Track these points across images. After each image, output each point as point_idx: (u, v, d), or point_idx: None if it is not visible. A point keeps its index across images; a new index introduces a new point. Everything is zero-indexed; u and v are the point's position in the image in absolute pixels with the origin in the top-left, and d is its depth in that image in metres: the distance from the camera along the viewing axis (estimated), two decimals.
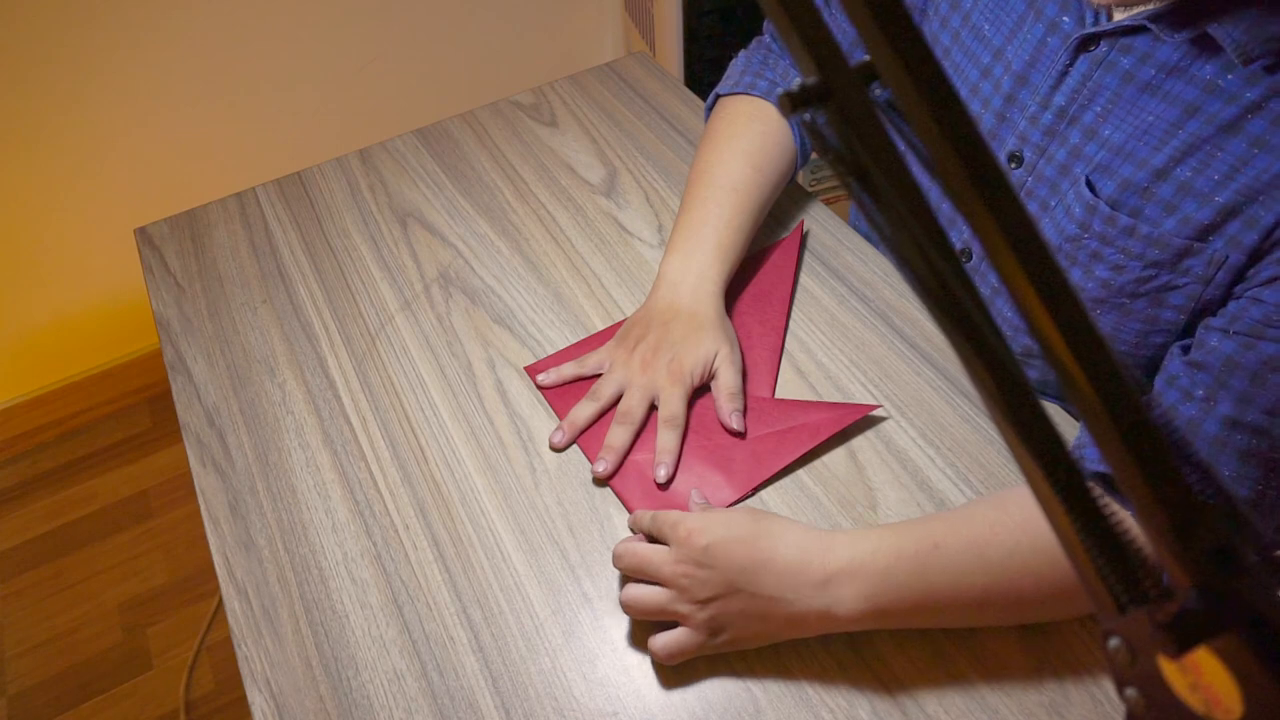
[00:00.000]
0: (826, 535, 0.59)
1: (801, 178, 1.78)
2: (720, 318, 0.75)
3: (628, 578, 0.63)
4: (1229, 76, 0.56)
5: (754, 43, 0.92)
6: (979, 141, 0.26)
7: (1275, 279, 0.56)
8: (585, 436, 0.73)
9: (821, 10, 0.28)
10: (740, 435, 0.72)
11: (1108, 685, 0.58)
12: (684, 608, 0.58)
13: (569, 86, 1.08)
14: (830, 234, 0.88)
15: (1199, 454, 0.57)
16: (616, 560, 0.62)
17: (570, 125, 1.03)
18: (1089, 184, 0.63)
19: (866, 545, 0.58)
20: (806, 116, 0.29)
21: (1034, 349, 0.73)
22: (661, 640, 0.59)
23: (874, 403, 0.73)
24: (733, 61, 0.92)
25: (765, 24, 0.94)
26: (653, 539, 0.63)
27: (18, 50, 1.37)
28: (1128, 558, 0.28)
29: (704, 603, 0.58)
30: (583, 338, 0.81)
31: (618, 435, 0.71)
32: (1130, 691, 0.29)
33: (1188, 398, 0.58)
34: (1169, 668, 0.27)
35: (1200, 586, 0.25)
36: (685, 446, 0.71)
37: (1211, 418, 0.57)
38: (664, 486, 0.69)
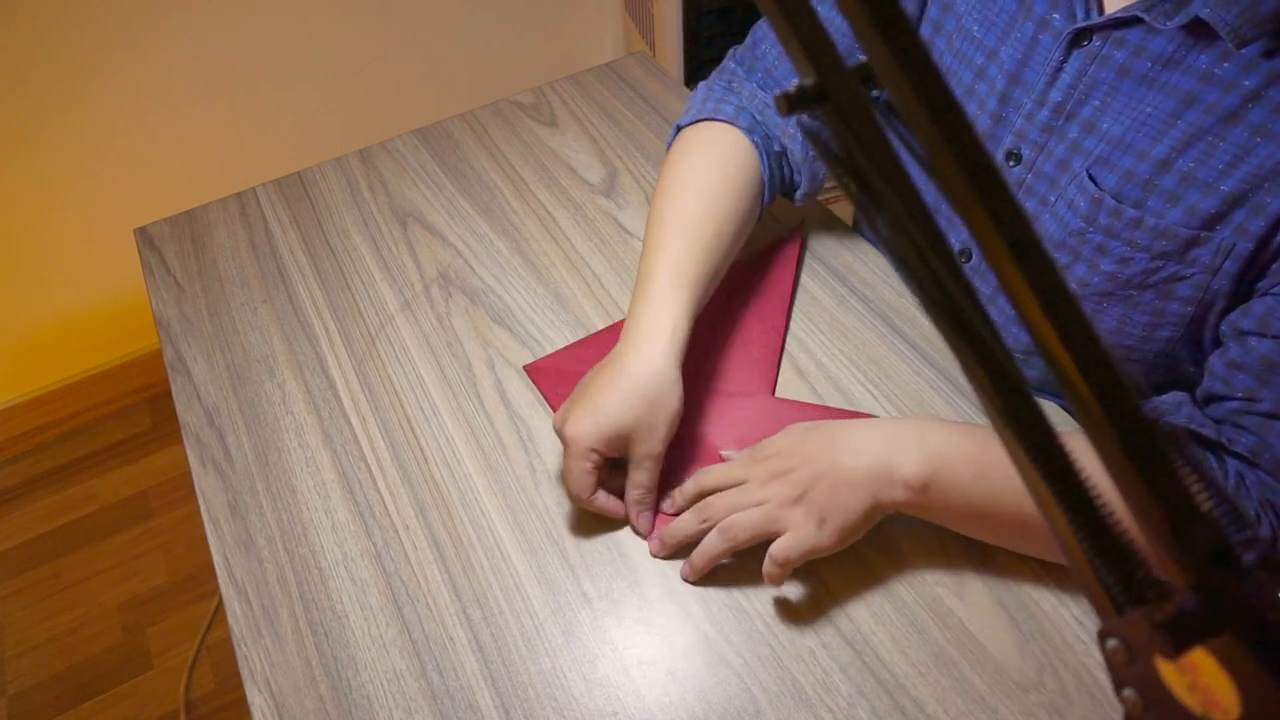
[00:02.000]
0: (899, 417, 0.64)
1: None
2: (661, 390, 0.65)
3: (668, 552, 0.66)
4: (1225, 65, 0.56)
5: (714, 73, 0.86)
6: (977, 143, 0.26)
7: None
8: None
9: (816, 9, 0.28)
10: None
11: (1108, 685, 0.59)
12: (783, 512, 0.60)
13: (569, 86, 1.08)
14: (830, 234, 0.88)
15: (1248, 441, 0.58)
16: (708, 508, 0.63)
17: (570, 125, 1.03)
18: (1091, 177, 0.64)
19: (931, 420, 0.63)
20: (804, 118, 0.29)
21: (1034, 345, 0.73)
22: (779, 545, 0.60)
23: (874, 409, 0.73)
24: (693, 93, 0.85)
25: (731, 51, 0.86)
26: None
27: (18, 50, 1.37)
28: (1125, 559, 0.28)
29: (799, 499, 0.60)
30: (582, 337, 0.81)
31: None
32: (1128, 692, 0.29)
33: (1230, 397, 0.59)
34: (1167, 668, 0.27)
35: (1198, 587, 0.25)
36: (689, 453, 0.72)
37: (1254, 413, 0.58)
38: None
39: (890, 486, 0.60)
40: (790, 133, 0.79)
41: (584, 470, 0.64)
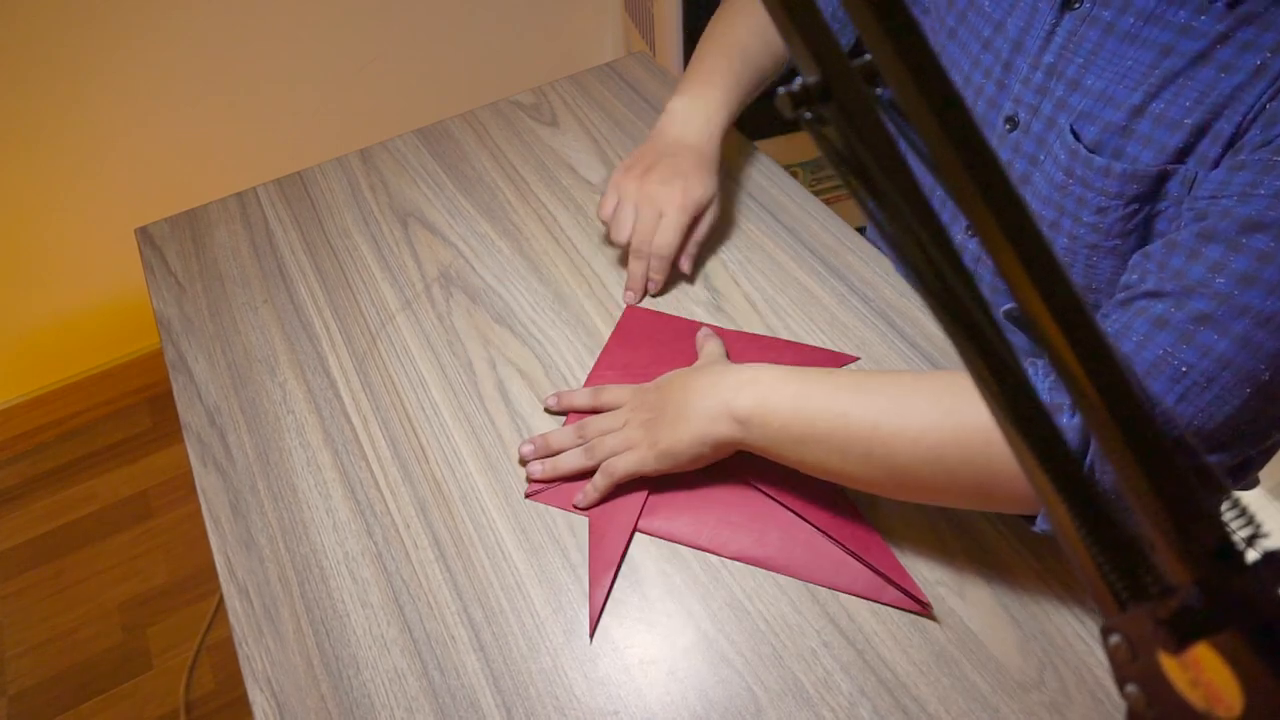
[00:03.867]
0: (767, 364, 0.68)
1: (801, 177, 1.79)
2: (719, 162, 0.84)
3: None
4: (1202, 18, 0.58)
5: None
6: (980, 140, 0.26)
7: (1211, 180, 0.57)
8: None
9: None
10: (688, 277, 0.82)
11: (1109, 683, 0.59)
12: (634, 431, 0.69)
13: (569, 86, 1.08)
14: (830, 234, 0.88)
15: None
16: (585, 427, 0.71)
17: (571, 125, 1.03)
18: (1074, 132, 0.65)
19: (789, 367, 0.66)
20: (808, 115, 0.29)
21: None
22: (612, 460, 0.68)
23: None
24: None
25: None
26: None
27: (18, 50, 1.37)
28: (1128, 555, 0.28)
29: (646, 421, 0.68)
30: (594, 351, 0.81)
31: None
32: (1131, 688, 0.29)
33: (1127, 285, 0.59)
34: (1170, 664, 0.27)
35: (1201, 583, 0.25)
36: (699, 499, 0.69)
37: (1136, 294, 0.57)
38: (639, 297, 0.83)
39: (720, 421, 0.64)
40: None
41: (612, 199, 0.84)
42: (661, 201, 0.81)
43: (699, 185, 0.82)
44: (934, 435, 0.58)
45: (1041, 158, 0.68)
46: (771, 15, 0.28)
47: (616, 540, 0.66)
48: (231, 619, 0.65)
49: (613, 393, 0.73)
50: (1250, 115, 0.55)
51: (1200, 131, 0.58)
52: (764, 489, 0.68)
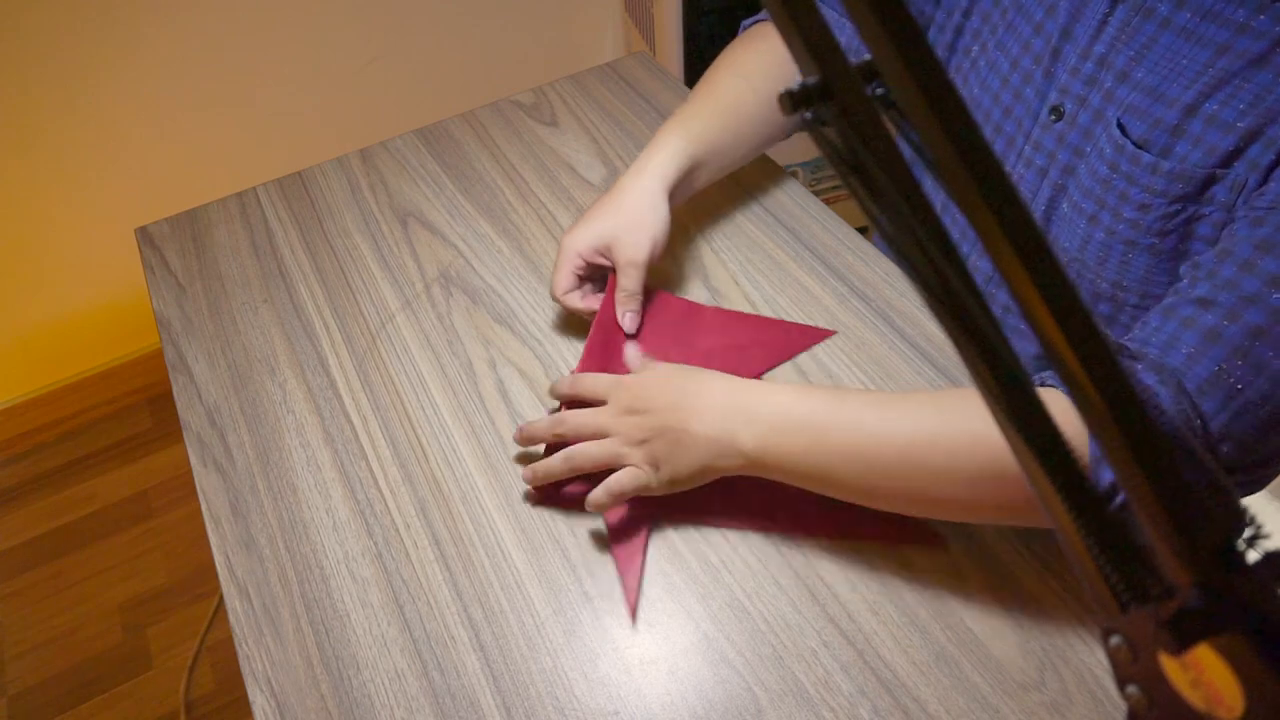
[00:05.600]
0: (752, 381, 0.66)
1: (801, 177, 1.79)
2: (645, 206, 0.76)
3: (551, 450, 0.69)
4: (1261, 18, 0.57)
5: None
6: (981, 141, 0.26)
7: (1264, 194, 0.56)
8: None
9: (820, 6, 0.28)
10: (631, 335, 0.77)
11: (1109, 684, 0.59)
12: (628, 449, 0.65)
13: (569, 86, 1.08)
14: (830, 234, 0.88)
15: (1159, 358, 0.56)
16: (558, 424, 0.67)
17: (571, 125, 1.03)
18: (1120, 126, 0.64)
19: (783, 388, 0.65)
20: (808, 115, 0.29)
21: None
22: (617, 478, 0.64)
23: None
24: None
25: None
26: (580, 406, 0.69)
27: (18, 50, 1.37)
28: (1129, 556, 0.28)
29: (643, 441, 0.64)
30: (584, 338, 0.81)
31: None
32: (1132, 689, 0.29)
33: (1175, 291, 0.58)
34: (1170, 665, 0.27)
35: (1202, 584, 0.25)
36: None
37: (1183, 301, 0.56)
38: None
39: (727, 456, 0.63)
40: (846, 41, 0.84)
41: (566, 272, 0.76)
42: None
43: (625, 248, 0.76)
44: (924, 446, 0.59)
45: (1087, 149, 0.67)
46: (771, 14, 0.28)
47: (635, 525, 0.67)
48: (231, 619, 0.65)
49: (588, 383, 0.69)
50: None
51: (1252, 136, 0.57)
52: None
